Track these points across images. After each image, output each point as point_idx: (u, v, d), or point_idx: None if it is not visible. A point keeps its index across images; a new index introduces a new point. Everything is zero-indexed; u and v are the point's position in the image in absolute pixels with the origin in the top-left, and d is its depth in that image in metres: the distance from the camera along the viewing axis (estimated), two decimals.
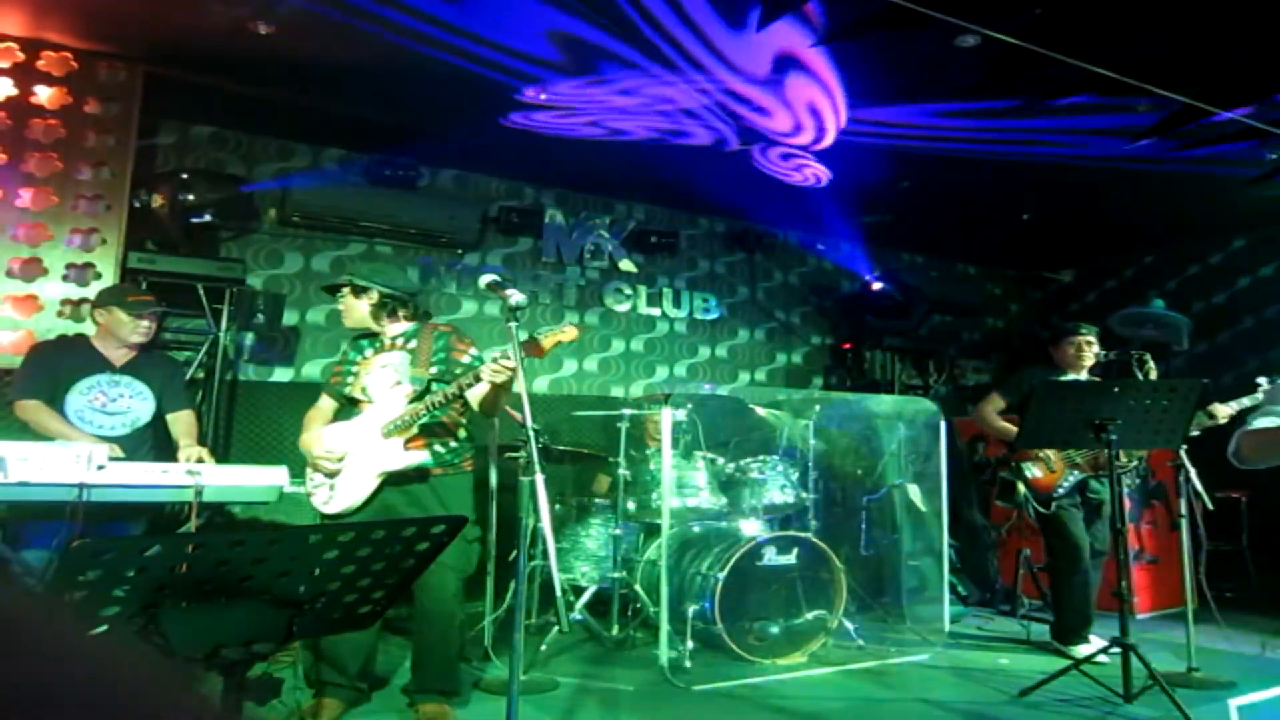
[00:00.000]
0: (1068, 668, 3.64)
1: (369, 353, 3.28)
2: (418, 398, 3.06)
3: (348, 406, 3.25)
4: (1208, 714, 3.21)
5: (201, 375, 4.80)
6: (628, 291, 6.46)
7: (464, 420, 3.23)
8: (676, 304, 6.68)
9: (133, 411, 3.55)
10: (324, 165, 5.55)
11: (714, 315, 6.83)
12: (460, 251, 5.89)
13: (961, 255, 7.98)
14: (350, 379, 3.24)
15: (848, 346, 7.10)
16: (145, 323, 3.57)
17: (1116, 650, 3.52)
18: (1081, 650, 4.12)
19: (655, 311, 6.59)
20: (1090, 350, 4.46)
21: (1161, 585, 5.44)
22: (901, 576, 5.13)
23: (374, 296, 3.22)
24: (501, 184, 6.15)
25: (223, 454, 4.81)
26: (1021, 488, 4.34)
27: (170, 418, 3.65)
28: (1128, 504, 5.00)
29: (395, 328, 3.26)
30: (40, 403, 3.38)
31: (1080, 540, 4.24)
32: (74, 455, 2.73)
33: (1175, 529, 4.24)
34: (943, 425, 4.99)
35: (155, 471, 3.20)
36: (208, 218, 4.63)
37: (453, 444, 3.18)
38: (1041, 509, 4.29)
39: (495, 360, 2.80)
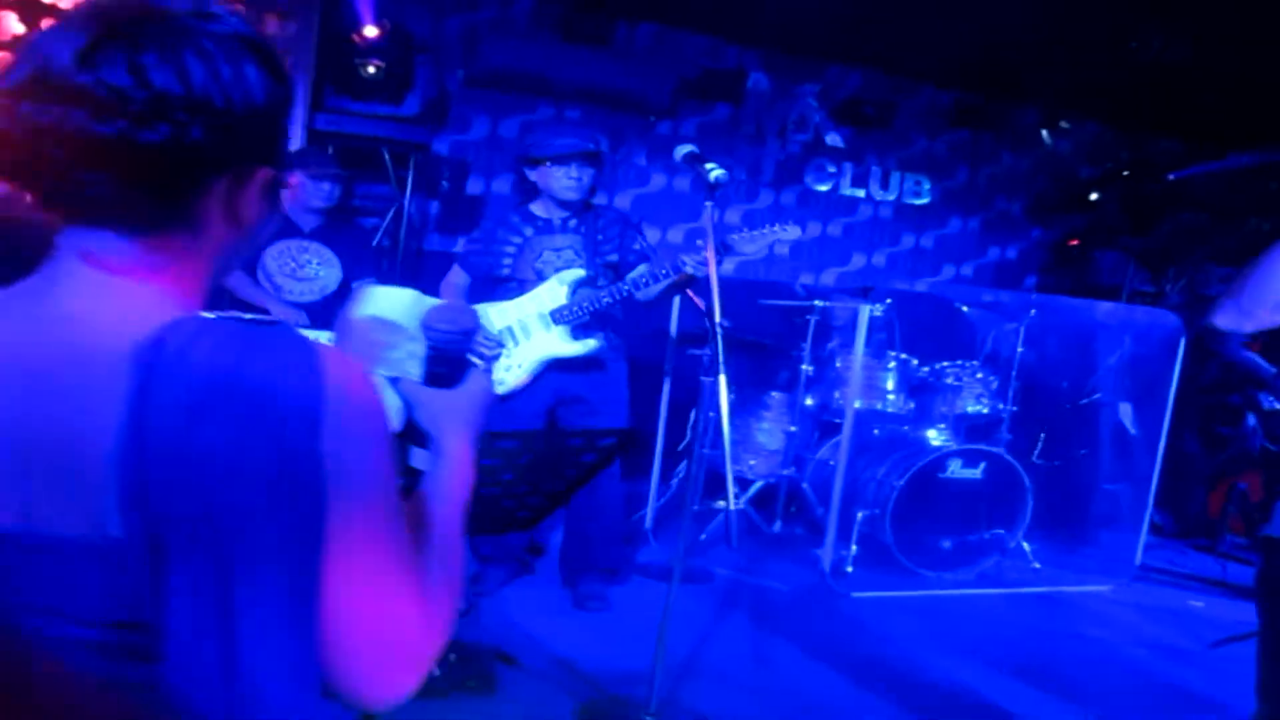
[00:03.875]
0: None
1: (529, 231, 3.23)
2: (588, 283, 3.12)
3: (494, 284, 3.24)
4: None
5: (388, 244, 5.01)
6: (831, 169, 6.25)
7: (623, 308, 3.27)
8: (884, 185, 6.39)
9: (321, 279, 3.71)
10: (513, 17, 5.45)
11: (925, 200, 6.49)
12: (652, 119, 5.85)
13: (1236, 142, 6.99)
14: (507, 259, 3.21)
15: (1075, 244, 6.56)
16: (325, 186, 3.66)
17: None
18: None
19: (860, 193, 6.35)
20: None
21: None
22: (1094, 501, 4.91)
23: (599, 165, 3.21)
24: (703, 41, 5.93)
25: None
26: (1252, 418, 3.98)
27: (356, 286, 3.79)
28: None
29: (567, 207, 3.24)
30: (237, 270, 3.55)
31: None
32: None
33: None
34: (1182, 342, 4.60)
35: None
36: (386, 77, 4.53)
37: (615, 329, 3.30)
38: (1272, 445, 3.93)
39: (701, 253, 2.74)
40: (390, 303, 1.06)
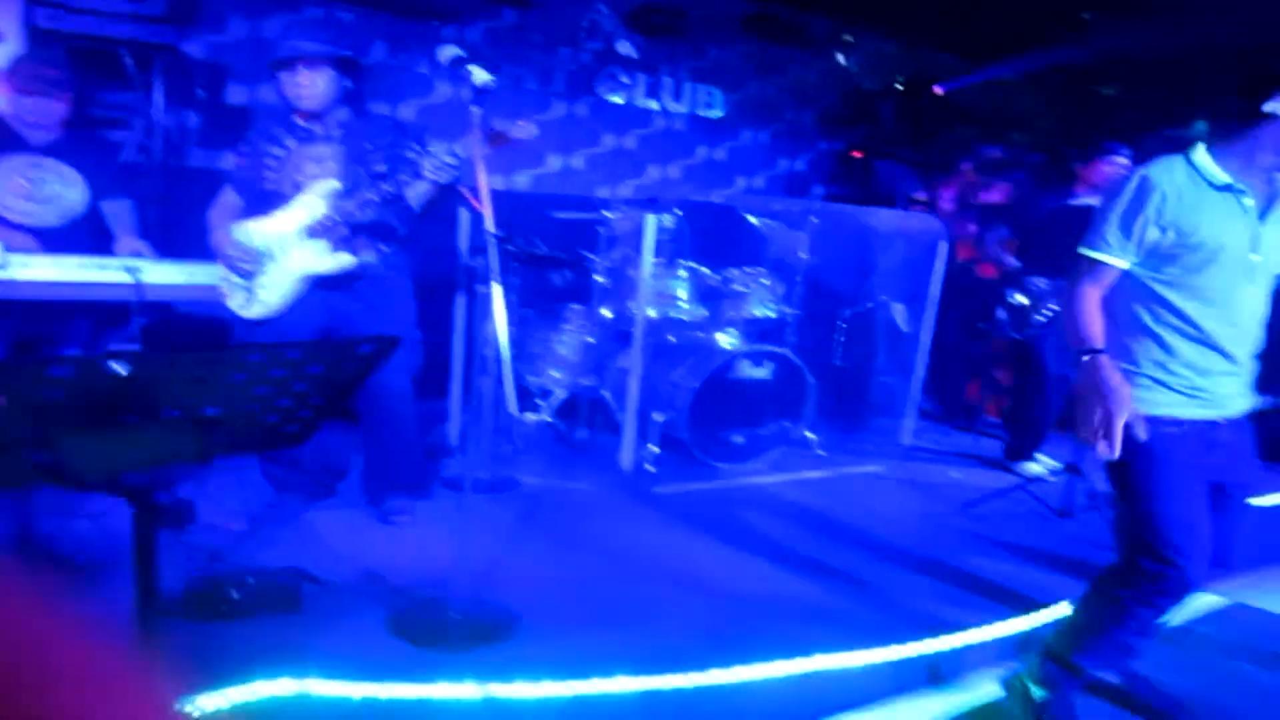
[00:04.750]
0: (1014, 487, 4.16)
1: (291, 142, 3.15)
2: (348, 194, 3.04)
3: (263, 201, 3.16)
4: None
5: (141, 159, 4.63)
6: (625, 80, 6.42)
7: (401, 221, 3.27)
8: (677, 96, 6.67)
9: (63, 200, 3.43)
10: None
11: (717, 112, 6.83)
12: (435, 24, 5.77)
13: (1000, 59, 7.78)
14: (270, 173, 3.14)
15: (858, 155, 7.16)
16: (30, 101, 3.31)
17: (1063, 471, 4.01)
18: (1029, 468, 4.62)
19: (653, 105, 6.59)
20: (1120, 174, 4.55)
21: None
22: (870, 392, 5.57)
23: (331, 72, 3.08)
24: None
25: (171, 250, 4.78)
26: (1002, 311, 4.64)
27: (106, 207, 3.57)
28: None
29: (334, 114, 3.16)
30: None
31: (1048, 367, 4.63)
32: None
33: None
34: (943, 246, 5.22)
35: (88, 267, 3.17)
36: None
37: (394, 245, 3.26)
38: (1017, 335, 4.61)
39: (440, 154, 2.80)
40: None
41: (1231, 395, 2.28)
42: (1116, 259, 2.22)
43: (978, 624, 2.82)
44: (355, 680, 2.21)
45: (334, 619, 2.59)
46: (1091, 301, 2.27)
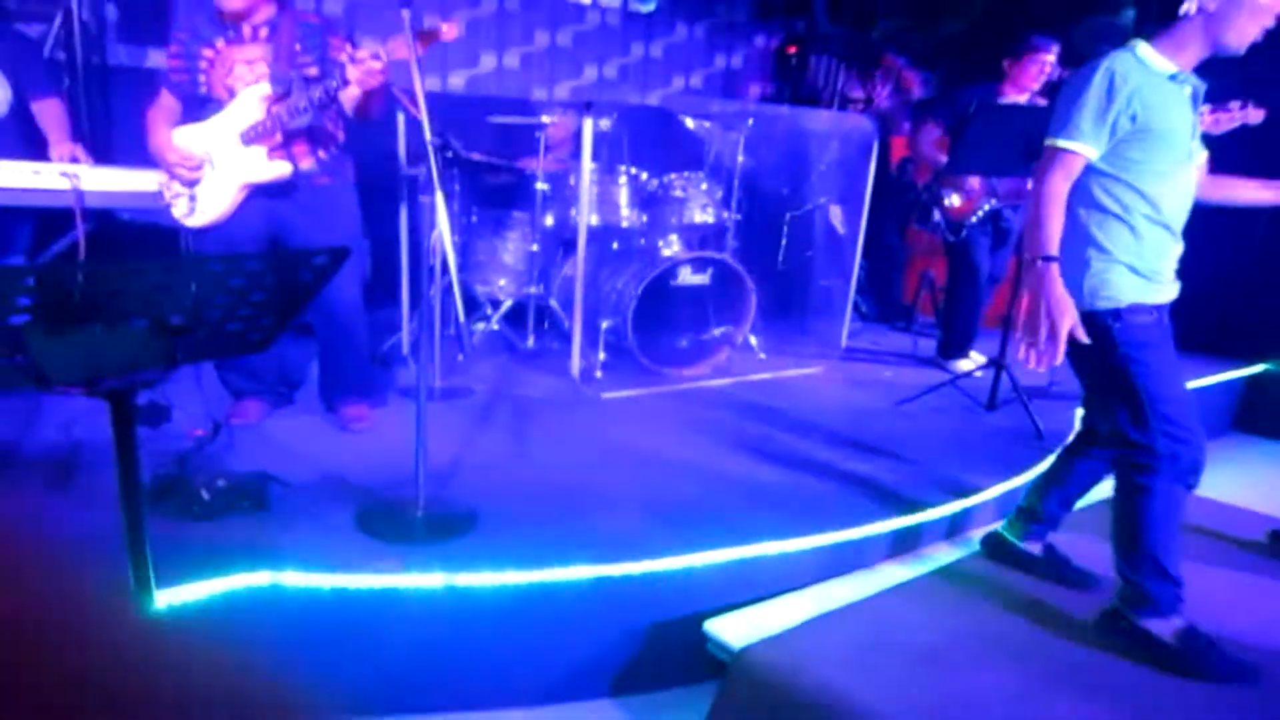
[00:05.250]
0: (944, 383, 4.47)
1: (220, 43, 3.12)
2: (281, 99, 3.06)
3: (200, 105, 3.16)
4: (1055, 420, 4.05)
5: (63, 56, 4.54)
6: None
7: (338, 127, 3.30)
8: None
9: None
10: None
11: (651, 6, 6.85)
12: None
13: None
14: (202, 75, 3.12)
15: (792, 51, 7.26)
16: None
17: (990, 366, 4.32)
18: (960, 365, 4.96)
19: None
20: (1047, 70, 4.72)
21: None
22: (809, 294, 5.84)
23: None
24: None
25: (104, 154, 4.82)
26: (937, 213, 4.88)
27: (36, 108, 3.56)
28: None
29: (260, 13, 3.12)
30: None
31: (981, 267, 4.91)
32: None
33: None
34: (875, 145, 5.42)
35: (23, 172, 3.19)
36: None
37: (334, 151, 3.29)
38: (951, 235, 4.87)
39: (365, 60, 2.79)
40: None
41: (1173, 277, 2.52)
42: (1089, 147, 2.38)
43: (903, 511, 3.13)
44: (328, 572, 2.39)
45: (302, 518, 2.74)
46: (1061, 198, 2.43)
